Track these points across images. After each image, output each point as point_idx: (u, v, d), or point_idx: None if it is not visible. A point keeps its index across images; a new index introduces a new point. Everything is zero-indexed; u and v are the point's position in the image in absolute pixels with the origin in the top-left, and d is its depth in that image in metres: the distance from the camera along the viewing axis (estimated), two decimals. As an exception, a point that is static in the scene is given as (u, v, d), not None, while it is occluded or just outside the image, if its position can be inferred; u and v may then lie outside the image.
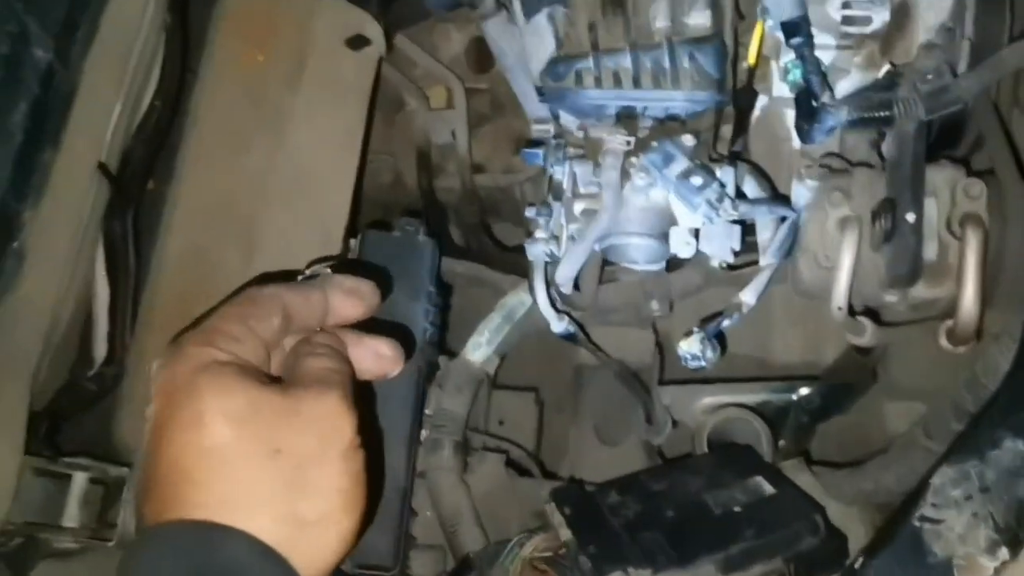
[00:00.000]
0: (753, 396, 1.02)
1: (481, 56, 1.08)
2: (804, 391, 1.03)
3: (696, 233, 0.87)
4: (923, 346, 0.99)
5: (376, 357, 0.62)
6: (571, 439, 1.10)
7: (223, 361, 0.52)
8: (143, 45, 0.83)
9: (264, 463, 0.50)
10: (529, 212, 0.88)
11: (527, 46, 0.93)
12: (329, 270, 0.64)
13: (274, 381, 0.55)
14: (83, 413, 0.81)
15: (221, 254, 0.78)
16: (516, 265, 1.03)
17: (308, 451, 0.52)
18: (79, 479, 0.76)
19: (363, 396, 0.58)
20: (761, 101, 0.93)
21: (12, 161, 0.72)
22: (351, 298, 0.62)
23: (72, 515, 0.75)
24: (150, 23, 0.83)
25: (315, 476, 0.52)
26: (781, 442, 1.01)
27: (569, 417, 1.12)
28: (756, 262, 0.92)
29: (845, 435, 1.07)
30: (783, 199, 0.89)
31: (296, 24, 0.86)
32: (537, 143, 0.95)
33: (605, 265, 0.95)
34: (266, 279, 0.61)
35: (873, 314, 0.93)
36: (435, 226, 1.07)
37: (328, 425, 0.53)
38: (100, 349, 0.81)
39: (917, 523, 0.63)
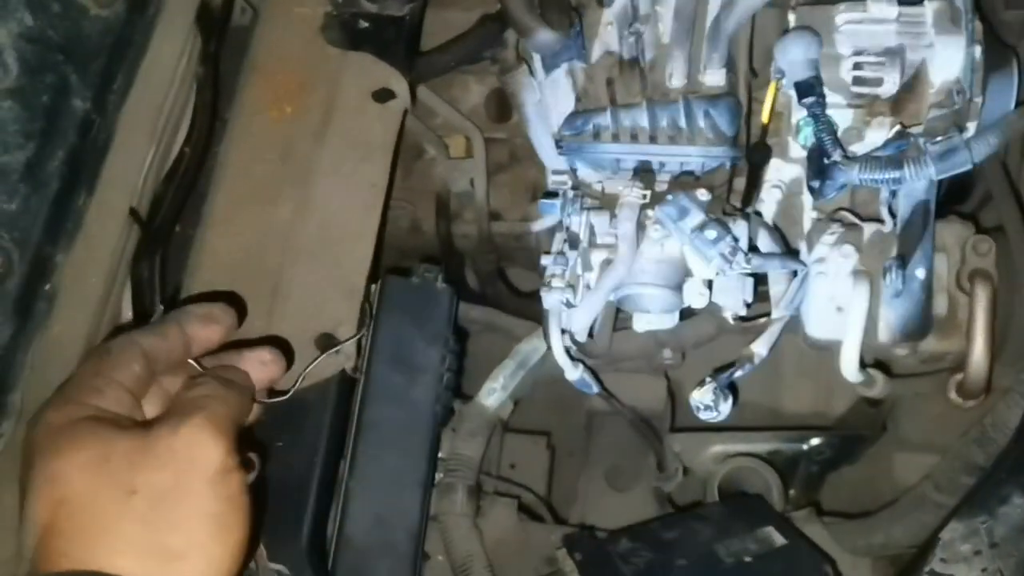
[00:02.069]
0: (763, 445, 1.03)
1: (500, 107, 1.11)
2: (814, 441, 1.04)
3: (709, 284, 0.89)
4: (933, 399, 1.00)
5: (260, 365, 0.65)
6: (581, 485, 1.11)
7: (80, 417, 0.54)
8: (175, 95, 0.86)
9: (121, 505, 0.52)
10: (545, 260, 0.90)
11: (546, 99, 0.96)
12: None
13: (139, 425, 0.57)
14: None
15: (245, 301, 0.80)
16: (530, 311, 1.05)
17: (165, 485, 0.52)
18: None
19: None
20: (774, 157, 0.95)
21: (48, 206, 0.74)
22: (207, 324, 0.64)
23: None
24: (182, 74, 0.86)
25: (177, 508, 0.52)
26: (790, 492, 1.02)
27: (580, 462, 1.13)
28: (768, 314, 0.94)
29: (854, 486, 1.08)
30: (795, 253, 0.91)
31: (324, 77, 0.89)
32: (554, 194, 0.97)
33: (619, 313, 0.97)
34: (119, 332, 0.64)
35: (883, 367, 0.95)
36: (452, 272, 1.09)
37: (185, 456, 0.53)
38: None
39: (927, 578, 0.64)
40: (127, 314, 0.83)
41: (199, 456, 0.54)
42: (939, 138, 0.82)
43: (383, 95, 0.88)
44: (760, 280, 0.91)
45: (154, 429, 0.55)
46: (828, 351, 0.95)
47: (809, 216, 0.94)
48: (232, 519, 0.54)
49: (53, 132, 0.74)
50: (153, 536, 0.52)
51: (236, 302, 0.69)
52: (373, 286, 0.85)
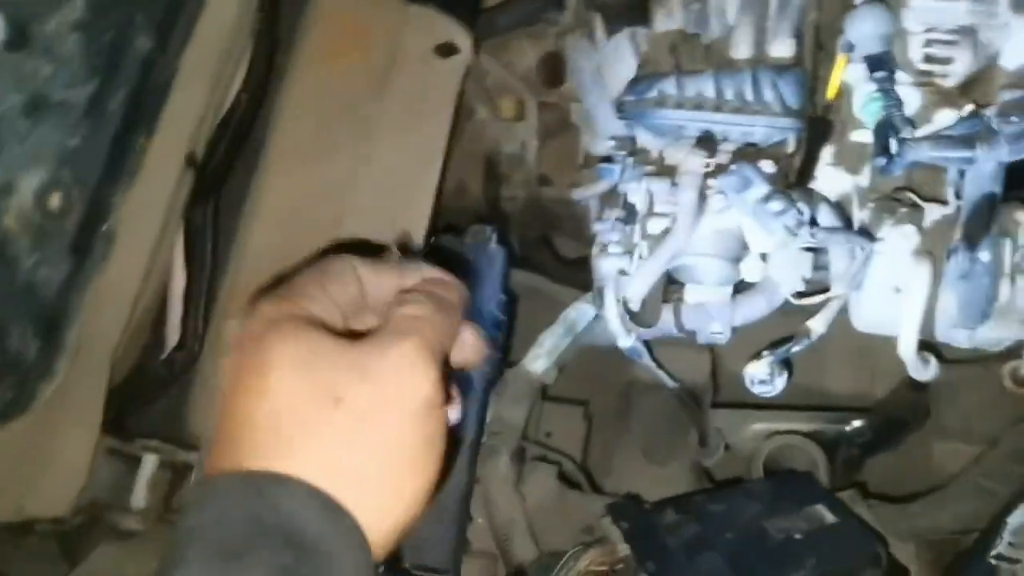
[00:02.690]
0: (805, 424, 1.02)
1: (553, 71, 1.09)
2: (856, 423, 1.03)
3: (763, 258, 0.88)
4: (979, 387, 1.00)
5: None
6: (618, 456, 1.10)
7: (294, 315, 0.51)
8: (235, 41, 0.84)
9: (325, 412, 0.48)
10: (600, 227, 0.89)
11: (606, 63, 0.94)
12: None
13: (349, 337, 0.52)
14: (152, 396, 0.82)
15: (299, 254, 0.79)
16: (575, 278, 1.04)
17: (369, 405, 0.49)
18: (149, 461, 0.77)
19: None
20: (836, 132, 0.93)
21: (108, 145, 0.73)
22: (430, 284, 0.58)
23: (140, 496, 0.76)
24: (243, 20, 0.85)
25: (377, 432, 0.49)
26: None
27: (617, 433, 1.12)
28: (822, 291, 0.92)
29: (893, 471, 1.07)
30: (858, 231, 0.89)
31: (386, 30, 0.87)
32: (609, 160, 0.96)
33: (670, 284, 0.96)
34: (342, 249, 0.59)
35: (932, 349, 0.93)
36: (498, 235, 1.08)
37: (394, 380, 0.49)
38: (173, 335, 0.82)
39: (992, 561, 0.63)
40: (178, 260, 0.83)
41: (407, 383, 0.50)
42: (1012, 119, 0.80)
43: (446, 49, 0.86)
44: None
45: (363, 343, 0.51)
46: (876, 332, 0.94)
47: (870, 194, 0.92)
48: (427, 459, 0.50)
49: (116, 69, 0.72)
50: (351, 455, 0.48)
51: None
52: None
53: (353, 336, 0.53)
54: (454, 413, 0.54)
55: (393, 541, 0.50)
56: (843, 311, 0.94)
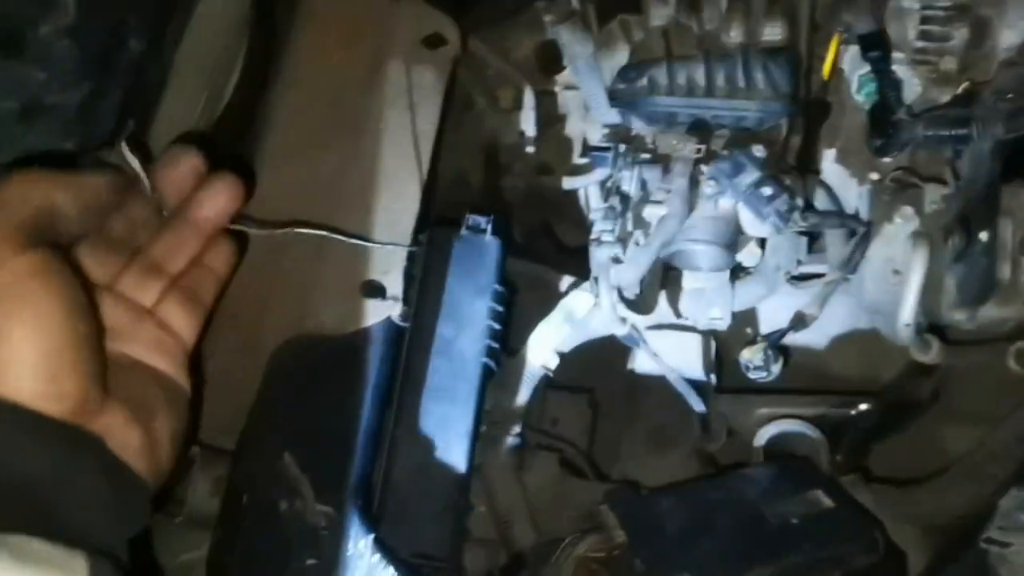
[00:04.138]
0: (810, 409, 1.02)
1: (550, 59, 1.09)
2: (862, 407, 1.02)
3: (762, 243, 0.88)
4: (987, 369, 0.98)
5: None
6: (623, 443, 1.11)
7: None
8: (227, 40, 0.85)
9: None
10: (594, 215, 0.89)
11: (599, 51, 0.94)
12: None
13: None
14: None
15: (291, 249, 0.80)
16: (576, 266, 1.04)
17: None
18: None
19: None
20: (833, 113, 0.92)
21: (103, 148, 0.75)
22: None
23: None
24: (235, 19, 0.86)
25: None
26: (836, 457, 1.01)
27: (622, 421, 1.12)
28: (817, 275, 0.92)
29: (900, 454, 1.06)
30: (853, 213, 0.89)
31: (376, 24, 0.88)
32: (604, 147, 0.96)
33: (667, 270, 0.96)
34: None
35: (938, 332, 0.93)
36: (498, 225, 1.08)
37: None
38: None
39: (983, 545, 0.62)
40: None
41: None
42: (1009, 96, 0.79)
43: (434, 41, 0.87)
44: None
45: None
46: (879, 315, 0.93)
47: (868, 176, 0.92)
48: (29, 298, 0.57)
49: (109, 73, 0.74)
50: None
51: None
52: (421, 235, 0.85)
53: None
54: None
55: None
56: (848, 294, 0.94)
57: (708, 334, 1.05)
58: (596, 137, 1.04)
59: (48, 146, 0.70)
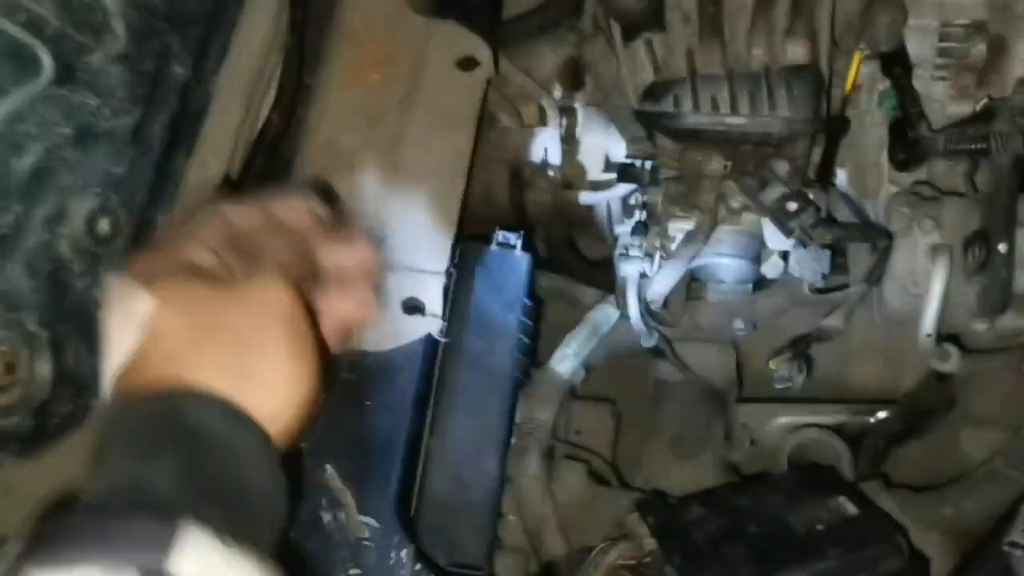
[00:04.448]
0: (831, 417, 1.04)
1: (575, 75, 1.11)
2: (881, 415, 1.04)
3: (785, 256, 0.90)
4: (1004, 376, 1.00)
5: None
6: (646, 452, 1.13)
7: (167, 264, 0.58)
8: (266, 61, 0.88)
9: (207, 336, 0.55)
10: (621, 229, 0.91)
11: (625, 69, 0.97)
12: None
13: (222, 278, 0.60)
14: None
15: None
16: (600, 280, 1.06)
17: (246, 323, 0.56)
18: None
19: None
20: (854, 129, 0.94)
21: (152, 169, 0.77)
22: (295, 210, 0.65)
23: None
24: (272, 42, 0.88)
25: (257, 340, 0.56)
26: (857, 464, 1.03)
27: (645, 431, 1.14)
28: (842, 286, 0.94)
29: (920, 460, 1.08)
30: (874, 226, 0.91)
31: (411, 45, 0.90)
32: (631, 164, 0.98)
33: (692, 282, 0.98)
34: None
35: (957, 341, 0.94)
36: (524, 240, 1.10)
37: (260, 298, 0.57)
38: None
39: (1006, 548, 0.64)
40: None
41: (272, 299, 0.58)
42: (1028, 112, 0.81)
43: (467, 63, 0.89)
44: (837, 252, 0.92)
45: (234, 279, 0.59)
46: (899, 325, 0.95)
47: (887, 189, 0.94)
48: (303, 348, 0.58)
49: (157, 97, 0.76)
50: (237, 360, 0.55)
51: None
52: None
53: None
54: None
55: (294, 429, 0.57)
56: (869, 304, 0.96)
57: (731, 345, 1.07)
58: (619, 153, 1.06)
59: (101, 170, 0.72)
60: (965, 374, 1.00)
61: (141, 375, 0.54)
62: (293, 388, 0.57)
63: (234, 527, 0.49)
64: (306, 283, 0.62)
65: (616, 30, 0.94)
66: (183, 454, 0.51)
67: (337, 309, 0.63)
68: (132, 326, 0.55)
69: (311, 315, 0.60)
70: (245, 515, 0.52)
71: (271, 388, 0.56)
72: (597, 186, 1.11)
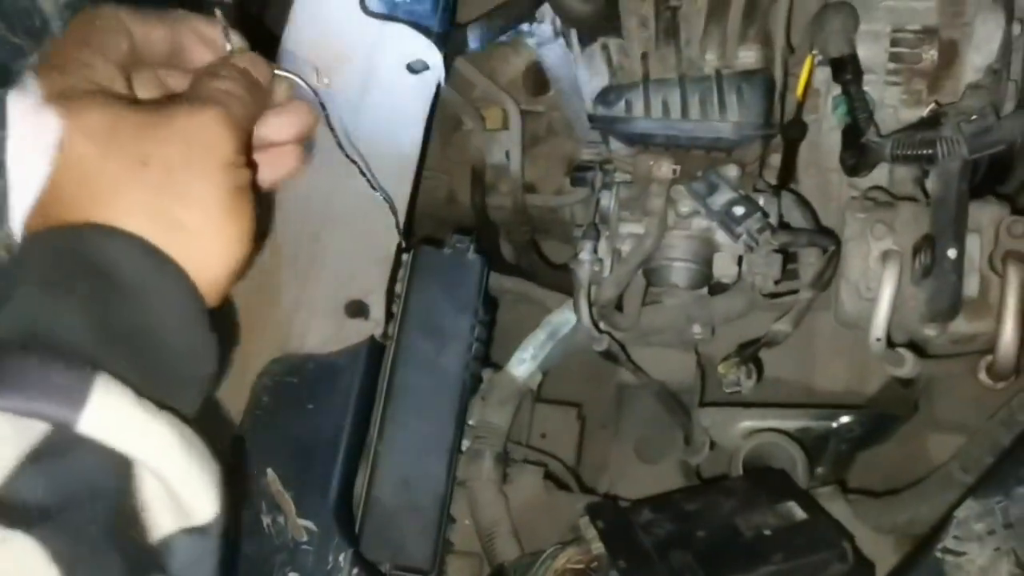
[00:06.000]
0: (793, 422, 1.03)
1: (538, 80, 1.12)
2: (844, 419, 1.04)
3: (740, 260, 0.90)
4: (965, 380, 0.99)
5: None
6: (611, 456, 1.13)
7: (78, 88, 0.50)
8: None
9: (132, 173, 0.48)
10: (577, 233, 0.92)
11: (581, 74, 0.97)
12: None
13: (145, 103, 0.52)
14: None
15: (278, 269, 0.83)
16: (563, 283, 1.06)
17: (178, 161, 0.49)
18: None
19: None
20: (810, 133, 0.94)
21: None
22: (203, 45, 0.58)
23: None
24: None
25: (189, 184, 0.49)
26: (819, 469, 1.02)
27: (610, 434, 1.14)
28: (796, 291, 0.94)
29: (886, 465, 1.07)
30: (826, 230, 0.91)
31: (362, 48, 0.90)
32: (587, 167, 0.98)
33: (649, 287, 0.98)
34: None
35: (916, 347, 0.94)
36: (486, 243, 1.11)
37: (200, 138, 0.50)
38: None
39: (939, 554, 0.64)
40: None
41: (214, 142, 0.51)
42: (973, 117, 0.81)
43: (417, 66, 0.90)
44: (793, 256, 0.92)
45: (168, 107, 0.51)
46: (859, 330, 0.95)
47: (844, 193, 0.94)
48: (241, 208, 0.51)
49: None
50: (165, 205, 0.49)
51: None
52: (405, 256, 0.87)
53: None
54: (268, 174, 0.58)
55: (222, 287, 0.51)
56: (827, 309, 0.96)
57: (691, 349, 1.07)
58: (580, 157, 1.06)
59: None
60: (927, 379, 1.00)
61: (51, 213, 0.47)
62: (226, 245, 0.50)
63: (147, 382, 0.44)
64: (250, 129, 0.54)
65: (573, 34, 0.95)
66: (91, 293, 0.45)
67: (267, 173, 0.57)
68: (40, 152, 0.48)
69: (251, 165, 0.53)
70: (163, 371, 0.46)
71: (202, 241, 0.49)
72: (559, 190, 1.11)
